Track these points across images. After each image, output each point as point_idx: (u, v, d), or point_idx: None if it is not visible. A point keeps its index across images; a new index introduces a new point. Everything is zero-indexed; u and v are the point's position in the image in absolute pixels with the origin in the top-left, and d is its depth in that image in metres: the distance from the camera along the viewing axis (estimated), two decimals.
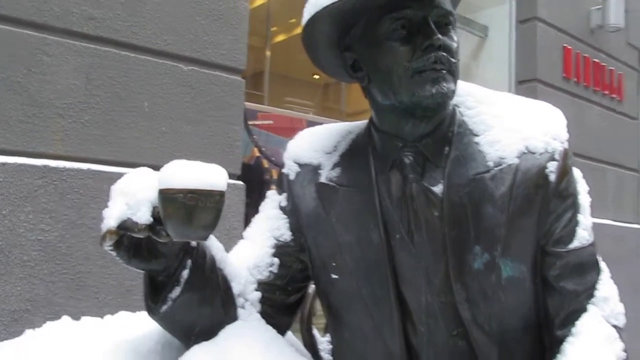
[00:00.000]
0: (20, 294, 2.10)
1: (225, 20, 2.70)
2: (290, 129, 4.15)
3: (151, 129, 2.46)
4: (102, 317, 1.17)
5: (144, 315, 1.00)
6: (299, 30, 1.11)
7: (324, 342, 1.35)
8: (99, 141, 2.34)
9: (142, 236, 0.82)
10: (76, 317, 1.19)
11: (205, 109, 2.62)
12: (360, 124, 1.22)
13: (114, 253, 0.87)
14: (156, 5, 2.47)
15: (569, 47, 4.78)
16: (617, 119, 5.35)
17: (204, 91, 2.62)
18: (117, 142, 2.38)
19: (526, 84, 4.48)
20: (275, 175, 3.86)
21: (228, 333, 0.92)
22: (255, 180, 2.82)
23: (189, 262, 0.93)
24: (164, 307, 0.91)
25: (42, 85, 2.21)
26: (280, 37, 6.55)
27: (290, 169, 1.19)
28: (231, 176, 2.70)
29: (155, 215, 0.82)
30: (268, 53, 5.00)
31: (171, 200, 0.77)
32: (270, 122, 3.78)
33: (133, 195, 0.83)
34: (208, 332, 0.94)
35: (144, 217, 0.81)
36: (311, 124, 4.59)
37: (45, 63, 2.22)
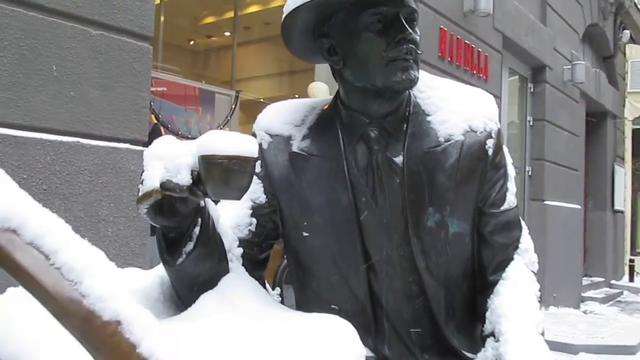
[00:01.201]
0: None
1: None
2: (183, 97, 4.15)
3: (60, 93, 2.43)
4: None
5: (130, 271, 1.09)
6: None
7: (274, 296, 1.48)
8: (6, 104, 2.28)
9: (182, 196, 0.91)
10: None
11: (113, 74, 2.61)
12: (322, 100, 1.36)
13: (145, 211, 0.95)
14: None
15: (445, 29, 5.12)
16: None
17: (113, 57, 2.61)
18: (25, 106, 2.33)
19: None
20: None
21: (227, 283, 1.03)
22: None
23: (200, 220, 1.03)
24: (180, 260, 1.02)
25: None
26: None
27: (263, 139, 1.30)
28: (137, 142, 2.72)
29: (193, 177, 0.90)
30: (162, 18, 4.92)
31: (216, 165, 0.86)
32: (164, 89, 3.77)
33: (172, 160, 0.91)
34: (208, 283, 1.05)
35: (184, 179, 0.89)
36: (204, 92, 4.62)
37: None
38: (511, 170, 1.35)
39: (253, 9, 7.55)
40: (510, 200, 1.31)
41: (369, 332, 1.24)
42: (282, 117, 1.31)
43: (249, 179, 0.89)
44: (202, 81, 5.18)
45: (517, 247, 1.31)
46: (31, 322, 0.61)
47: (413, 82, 1.19)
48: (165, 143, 0.95)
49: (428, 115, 1.26)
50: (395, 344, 1.26)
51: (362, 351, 0.92)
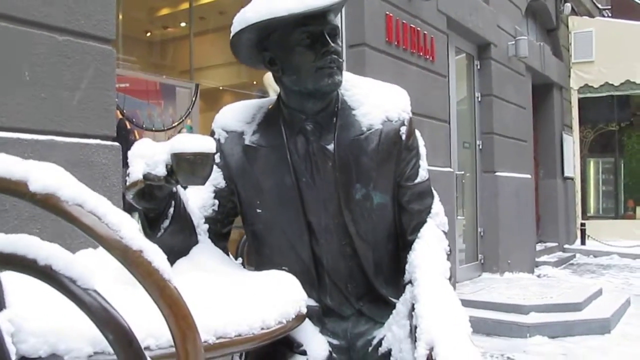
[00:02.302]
0: None
1: None
2: (145, 91, 4.37)
3: (32, 95, 2.65)
4: None
5: None
6: None
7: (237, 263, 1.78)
8: None
9: (159, 184, 1.19)
10: None
11: (80, 76, 2.83)
12: (268, 100, 1.66)
13: (131, 197, 1.23)
14: None
15: (391, 14, 5.40)
16: (430, 77, 6.13)
17: (79, 60, 2.83)
18: (2, 109, 2.54)
19: (355, 48, 5.03)
20: (138, 136, 4.09)
21: (196, 251, 1.32)
22: (122, 141, 3.09)
23: (173, 202, 1.32)
24: (159, 234, 1.31)
25: None
26: None
27: (220, 135, 1.59)
28: (107, 138, 2.96)
29: (167, 170, 1.18)
30: (120, 16, 5.08)
31: (184, 160, 1.14)
32: (127, 85, 3.98)
33: (151, 157, 1.18)
34: (181, 252, 1.35)
35: (161, 171, 1.17)
36: (164, 85, 4.83)
37: None
38: (422, 151, 1.66)
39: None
40: (422, 174, 1.63)
41: (313, 286, 1.54)
42: (236, 116, 1.61)
43: (210, 169, 1.18)
44: (161, 72, 5.37)
45: (429, 212, 1.63)
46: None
47: (337, 84, 1.50)
48: (144, 145, 1.22)
49: (353, 109, 1.57)
50: (336, 295, 1.57)
51: (304, 295, 1.22)
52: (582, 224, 11.96)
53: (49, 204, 0.68)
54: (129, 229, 0.69)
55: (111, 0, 2.99)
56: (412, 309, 1.40)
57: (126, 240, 0.68)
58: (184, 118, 4.49)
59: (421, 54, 5.92)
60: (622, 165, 14.30)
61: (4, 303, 0.84)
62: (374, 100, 1.58)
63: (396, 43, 5.48)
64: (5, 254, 0.67)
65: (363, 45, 5.04)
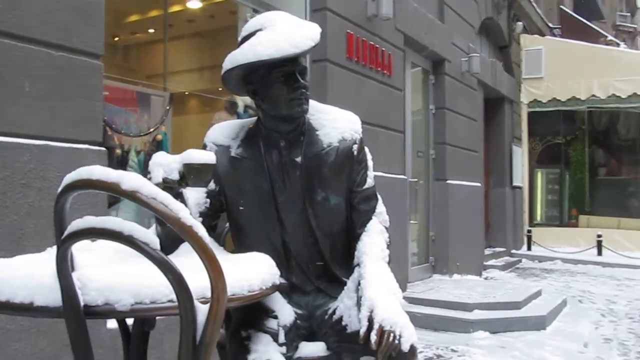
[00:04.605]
0: None
1: (85, 14, 3.24)
2: (122, 99, 4.68)
3: (31, 105, 2.97)
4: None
5: None
6: None
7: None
8: None
9: (174, 186, 1.57)
10: None
11: (73, 88, 3.16)
12: (250, 120, 2.07)
13: None
14: (32, 0, 2.96)
15: (351, 32, 5.82)
16: (387, 91, 6.57)
17: (72, 74, 3.16)
18: (5, 117, 2.86)
19: (318, 63, 5.40)
20: (117, 141, 4.42)
21: None
22: (104, 147, 3.43)
23: (179, 200, 1.69)
24: (167, 225, 1.68)
25: None
26: None
27: (211, 148, 1.99)
28: (94, 143, 3.30)
29: (179, 175, 1.56)
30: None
31: (193, 169, 1.53)
32: (106, 93, 4.25)
33: (167, 166, 1.57)
34: (182, 240, 1.72)
35: (175, 176, 1.56)
36: (140, 94, 5.13)
37: None
38: (370, 163, 2.10)
39: (176, 8, 8.03)
40: (369, 182, 2.07)
41: (282, 267, 1.93)
42: (223, 132, 2.01)
43: (211, 175, 1.58)
44: (132, 77, 5.63)
45: (374, 211, 2.06)
46: None
47: (305, 111, 1.93)
48: (162, 156, 1.61)
49: (316, 130, 2.00)
50: (300, 275, 2.00)
51: (277, 271, 1.63)
52: (529, 231, 12.60)
53: (135, 197, 1.08)
54: (184, 212, 1.10)
55: (100, 20, 3.34)
56: (359, 284, 1.83)
57: (183, 220, 1.09)
58: (159, 125, 4.83)
59: (379, 69, 6.34)
60: (567, 176, 15.07)
61: (74, 267, 1.22)
62: (333, 123, 2.02)
63: (356, 59, 5.88)
64: (99, 228, 1.07)
65: (325, 61, 5.42)
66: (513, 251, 11.87)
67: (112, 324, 3.19)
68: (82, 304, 1.20)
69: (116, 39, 8.48)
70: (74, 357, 1.27)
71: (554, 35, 14.53)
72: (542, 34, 13.69)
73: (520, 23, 12.04)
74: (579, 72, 12.12)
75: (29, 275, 1.25)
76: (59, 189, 1.21)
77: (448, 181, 8.27)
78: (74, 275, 1.20)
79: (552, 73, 12.44)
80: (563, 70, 12.29)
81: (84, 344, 1.23)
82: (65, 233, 1.16)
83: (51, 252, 1.48)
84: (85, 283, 1.21)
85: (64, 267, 1.18)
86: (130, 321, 1.62)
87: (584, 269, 10.86)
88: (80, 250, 1.30)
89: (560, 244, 12.37)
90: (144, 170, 2.22)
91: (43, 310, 1.22)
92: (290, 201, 1.95)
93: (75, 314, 1.19)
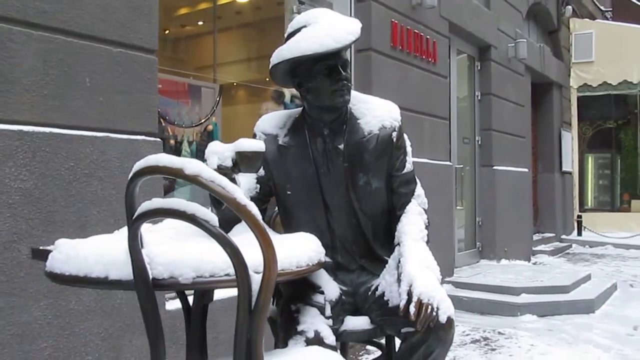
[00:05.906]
0: (8, 229, 2.77)
1: (141, 11, 3.42)
2: (175, 92, 4.89)
3: (92, 99, 3.17)
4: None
5: None
6: None
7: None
8: (56, 110, 3.01)
9: (227, 172, 1.71)
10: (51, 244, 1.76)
11: (130, 82, 3.35)
12: (296, 111, 2.20)
13: None
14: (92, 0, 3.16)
15: (396, 21, 5.90)
16: (432, 78, 6.62)
17: (128, 68, 3.35)
18: (69, 110, 3.06)
19: (363, 52, 5.52)
20: (170, 132, 4.63)
21: None
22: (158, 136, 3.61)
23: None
24: (222, 207, 1.81)
25: (12, 67, 2.84)
26: None
27: (261, 137, 2.14)
28: (150, 134, 3.48)
29: (233, 162, 1.71)
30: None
31: (245, 156, 1.67)
32: (159, 86, 4.45)
33: (222, 154, 1.71)
34: (236, 221, 1.83)
35: (229, 164, 1.70)
36: (191, 87, 5.34)
37: (12, 49, 2.84)
38: (409, 149, 2.22)
39: (224, 0, 8.23)
40: (408, 167, 2.19)
41: (328, 247, 2.08)
42: (271, 122, 2.16)
43: (261, 162, 1.72)
44: (182, 69, 5.83)
45: (413, 194, 2.19)
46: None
47: (347, 102, 2.07)
48: (217, 145, 1.75)
49: (358, 119, 2.13)
50: (344, 254, 2.15)
51: (323, 249, 1.76)
52: (579, 216, 12.45)
53: (196, 180, 1.23)
54: (239, 193, 1.25)
55: (154, 16, 3.52)
56: (399, 262, 1.95)
57: (238, 200, 1.24)
58: (209, 116, 5.02)
59: (424, 56, 6.39)
60: (619, 160, 14.80)
61: (143, 244, 1.38)
62: (373, 112, 2.14)
63: (400, 47, 5.96)
64: (166, 208, 1.22)
65: (370, 50, 5.52)
66: (563, 236, 11.77)
67: (170, 305, 3.39)
68: (150, 277, 1.35)
69: (167, 32, 8.75)
70: (145, 324, 1.43)
71: (606, 18, 14.24)
72: (593, 18, 13.45)
73: (569, 7, 11.87)
74: (631, 55, 11.91)
75: (104, 253, 1.42)
76: (130, 175, 1.35)
77: (494, 167, 8.27)
78: (143, 251, 1.36)
79: (603, 57, 12.23)
80: (614, 54, 12.08)
81: (153, 313, 1.39)
82: (136, 213, 1.31)
83: (119, 233, 1.66)
84: (152, 259, 1.37)
85: (135, 244, 1.34)
86: (190, 298, 1.78)
87: (636, 254, 10.67)
88: (146, 231, 1.46)
89: (612, 229, 12.23)
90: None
91: (117, 284, 1.38)
92: (334, 186, 2.09)
93: (145, 286, 1.35)
